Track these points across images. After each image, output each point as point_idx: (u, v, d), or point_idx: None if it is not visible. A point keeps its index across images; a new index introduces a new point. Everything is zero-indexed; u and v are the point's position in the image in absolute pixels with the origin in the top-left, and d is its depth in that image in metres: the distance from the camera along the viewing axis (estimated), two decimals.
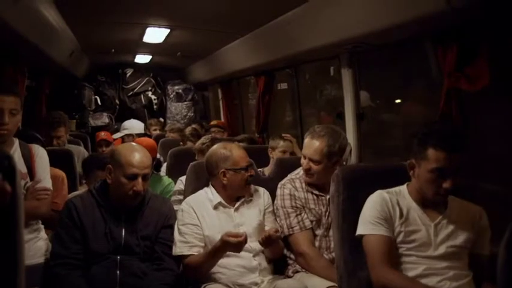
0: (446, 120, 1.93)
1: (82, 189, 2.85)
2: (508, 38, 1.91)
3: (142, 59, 5.74)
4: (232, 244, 1.89)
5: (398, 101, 3.77)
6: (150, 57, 5.60)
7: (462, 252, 1.67)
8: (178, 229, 2.07)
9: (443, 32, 1.92)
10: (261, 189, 2.28)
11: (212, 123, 4.52)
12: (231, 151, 2.18)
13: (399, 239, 1.68)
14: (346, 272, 1.76)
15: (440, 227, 1.68)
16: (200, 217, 2.10)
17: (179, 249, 2.03)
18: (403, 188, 1.76)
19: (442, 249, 1.65)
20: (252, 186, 2.27)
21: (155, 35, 3.94)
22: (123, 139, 4.28)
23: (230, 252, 2.05)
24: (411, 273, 1.64)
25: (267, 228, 2.18)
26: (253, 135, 4.10)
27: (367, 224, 1.69)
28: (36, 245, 1.99)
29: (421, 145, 1.63)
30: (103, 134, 4.31)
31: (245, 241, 1.89)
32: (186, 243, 2.03)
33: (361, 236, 1.71)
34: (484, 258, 1.67)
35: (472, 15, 1.75)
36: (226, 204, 2.16)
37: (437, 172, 1.59)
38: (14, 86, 2.35)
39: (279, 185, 2.28)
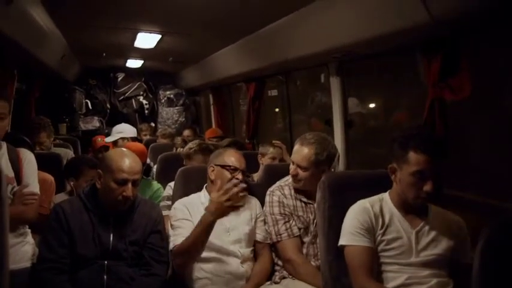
0: (429, 128, 1.96)
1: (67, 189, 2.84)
2: (489, 49, 1.96)
3: (133, 63, 5.73)
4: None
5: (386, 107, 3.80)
6: (142, 61, 5.60)
7: (443, 260, 1.68)
8: (172, 225, 2.09)
9: (428, 43, 1.97)
10: (253, 198, 2.31)
11: (211, 135, 4.47)
12: (226, 151, 2.28)
13: (380, 247, 1.70)
14: (331, 278, 1.78)
15: (421, 234, 1.70)
16: (193, 215, 2.10)
17: (172, 242, 2.03)
18: (385, 195, 1.78)
19: (423, 257, 1.67)
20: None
21: (147, 40, 3.95)
22: (117, 142, 4.25)
23: (218, 257, 2.06)
24: (394, 283, 1.65)
25: (257, 236, 2.20)
26: (240, 139, 4.10)
27: (348, 234, 1.71)
28: (23, 249, 1.98)
29: (402, 149, 1.65)
30: (100, 140, 4.27)
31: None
32: (180, 235, 2.03)
33: (343, 246, 1.73)
34: (464, 267, 1.66)
35: (454, 28, 1.79)
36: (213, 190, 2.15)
37: (418, 175, 1.61)
38: (3, 90, 2.35)
39: (268, 192, 2.29)
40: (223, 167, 2.20)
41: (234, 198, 1.90)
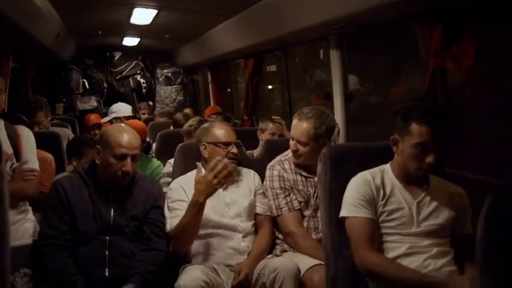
0: (431, 99, 1.94)
1: (69, 169, 2.84)
2: (492, 17, 1.92)
3: (130, 41, 5.68)
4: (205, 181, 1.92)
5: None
6: (138, 39, 5.54)
7: (444, 230, 1.69)
8: (168, 207, 2.08)
9: (429, 11, 1.93)
10: (251, 171, 2.30)
11: (211, 112, 4.44)
12: (214, 127, 2.23)
13: (381, 218, 1.70)
14: (333, 250, 1.78)
15: (422, 205, 1.70)
16: (190, 195, 2.09)
17: (169, 225, 2.04)
18: (387, 166, 1.77)
19: (424, 227, 1.67)
20: (242, 168, 2.29)
21: (143, 16, 3.90)
22: (111, 122, 4.24)
23: (219, 233, 2.07)
24: (395, 253, 1.66)
25: (257, 209, 2.20)
26: (239, 116, 4.09)
27: (349, 206, 1.71)
28: (24, 226, 1.98)
29: (404, 120, 1.64)
30: (93, 117, 4.25)
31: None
32: (176, 217, 2.03)
33: (344, 218, 1.73)
34: (465, 237, 1.70)
35: None
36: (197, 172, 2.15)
37: (421, 147, 1.60)
38: None
39: (268, 167, 2.29)
40: (214, 144, 2.18)
41: (221, 178, 1.92)
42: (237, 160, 2.21)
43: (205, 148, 2.20)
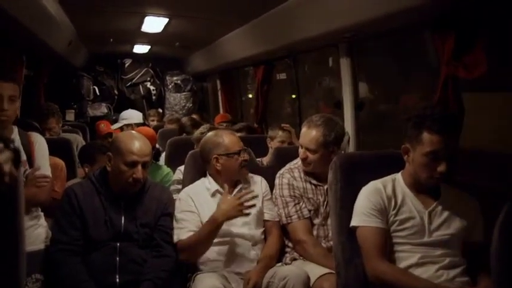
0: (442, 106, 1.93)
1: (80, 175, 2.86)
2: (505, 24, 1.91)
3: (140, 49, 5.72)
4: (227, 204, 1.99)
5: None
6: (149, 47, 5.58)
7: (456, 240, 1.67)
8: (175, 217, 2.09)
9: (441, 19, 1.92)
10: (259, 177, 2.30)
11: (220, 120, 4.45)
12: (223, 137, 2.22)
13: (393, 227, 1.69)
14: (344, 259, 1.77)
15: (434, 214, 1.69)
16: (198, 205, 2.11)
17: (176, 235, 2.05)
18: (398, 175, 1.76)
19: (436, 236, 1.66)
20: (250, 174, 2.29)
21: (154, 24, 3.92)
22: (121, 129, 4.26)
23: (228, 241, 2.07)
24: (407, 263, 1.65)
25: (265, 215, 2.20)
26: (251, 124, 4.09)
27: (361, 215, 1.70)
28: (36, 231, 2.00)
29: (415, 129, 1.63)
30: (103, 125, 4.27)
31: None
32: (184, 229, 2.05)
33: (355, 227, 1.72)
34: (477, 248, 1.67)
35: (468, 2, 1.75)
36: (223, 191, 2.17)
37: (432, 156, 1.60)
38: (13, 73, 2.35)
39: (277, 175, 2.29)
40: (228, 155, 2.17)
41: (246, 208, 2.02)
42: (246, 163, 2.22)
43: (218, 160, 2.18)
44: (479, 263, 1.63)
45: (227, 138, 2.21)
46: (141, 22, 3.89)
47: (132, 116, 4.61)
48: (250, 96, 5.76)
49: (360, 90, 3.09)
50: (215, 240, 2.07)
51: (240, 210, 2.00)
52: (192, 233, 2.04)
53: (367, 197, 1.71)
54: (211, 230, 2.00)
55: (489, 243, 1.08)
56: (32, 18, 2.75)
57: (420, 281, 1.57)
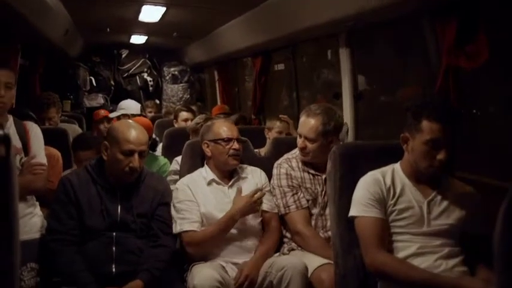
0: (443, 97, 1.92)
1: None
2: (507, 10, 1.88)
3: (137, 39, 5.68)
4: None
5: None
6: (146, 37, 5.54)
7: (455, 230, 1.67)
8: (175, 207, 2.08)
9: (442, 7, 1.90)
10: (258, 169, 2.29)
11: (218, 111, 4.43)
12: (214, 123, 2.23)
13: (392, 217, 1.68)
14: (342, 249, 1.77)
15: (433, 204, 1.68)
16: (195, 194, 2.10)
17: (180, 226, 2.03)
18: (397, 165, 1.75)
19: (435, 226, 1.65)
20: (248, 166, 2.28)
21: (151, 13, 3.88)
22: (118, 119, 4.24)
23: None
24: (406, 252, 1.64)
25: (264, 206, 2.19)
26: (245, 113, 4.08)
27: (359, 205, 1.69)
28: (32, 220, 1.98)
29: (415, 117, 1.63)
30: (103, 112, 4.29)
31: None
32: (186, 219, 2.04)
33: (354, 217, 1.71)
34: (476, 238, 1.66)
35: None
36: (219, 181, 2.17)
37: (432, 144, 1.59)
38: (8, 60, 2.33)
39: (275, 165, 2.28)
40: (215, 141, 2.17)
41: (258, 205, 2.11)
42: (239, 156, 2.20)
43: (208, 146, 2.19)
44: (477, 255, 1.63)
45: (217, 125, 2.22)
46: (139, 11, 3.85)
47: (130, 106, 4.58)
48: (249, 86, 5.73)
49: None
50: None
51: (253, 208, 2.06)
52: (196, 224, 2.04)
53: (366, 187, 1.70)
54: (228, 226, 2.03)
55: (488, 235, 1.07)
56: (27, 7, 2.71)
57: (419, 271, 1.57)
